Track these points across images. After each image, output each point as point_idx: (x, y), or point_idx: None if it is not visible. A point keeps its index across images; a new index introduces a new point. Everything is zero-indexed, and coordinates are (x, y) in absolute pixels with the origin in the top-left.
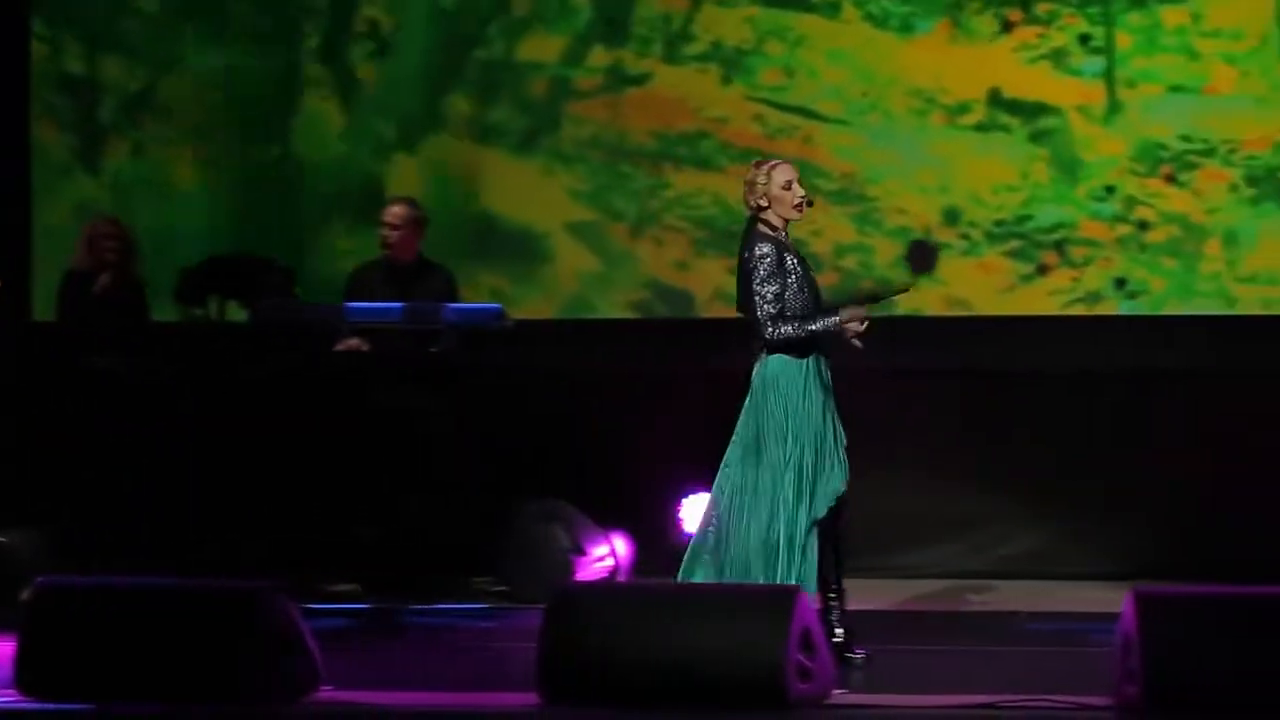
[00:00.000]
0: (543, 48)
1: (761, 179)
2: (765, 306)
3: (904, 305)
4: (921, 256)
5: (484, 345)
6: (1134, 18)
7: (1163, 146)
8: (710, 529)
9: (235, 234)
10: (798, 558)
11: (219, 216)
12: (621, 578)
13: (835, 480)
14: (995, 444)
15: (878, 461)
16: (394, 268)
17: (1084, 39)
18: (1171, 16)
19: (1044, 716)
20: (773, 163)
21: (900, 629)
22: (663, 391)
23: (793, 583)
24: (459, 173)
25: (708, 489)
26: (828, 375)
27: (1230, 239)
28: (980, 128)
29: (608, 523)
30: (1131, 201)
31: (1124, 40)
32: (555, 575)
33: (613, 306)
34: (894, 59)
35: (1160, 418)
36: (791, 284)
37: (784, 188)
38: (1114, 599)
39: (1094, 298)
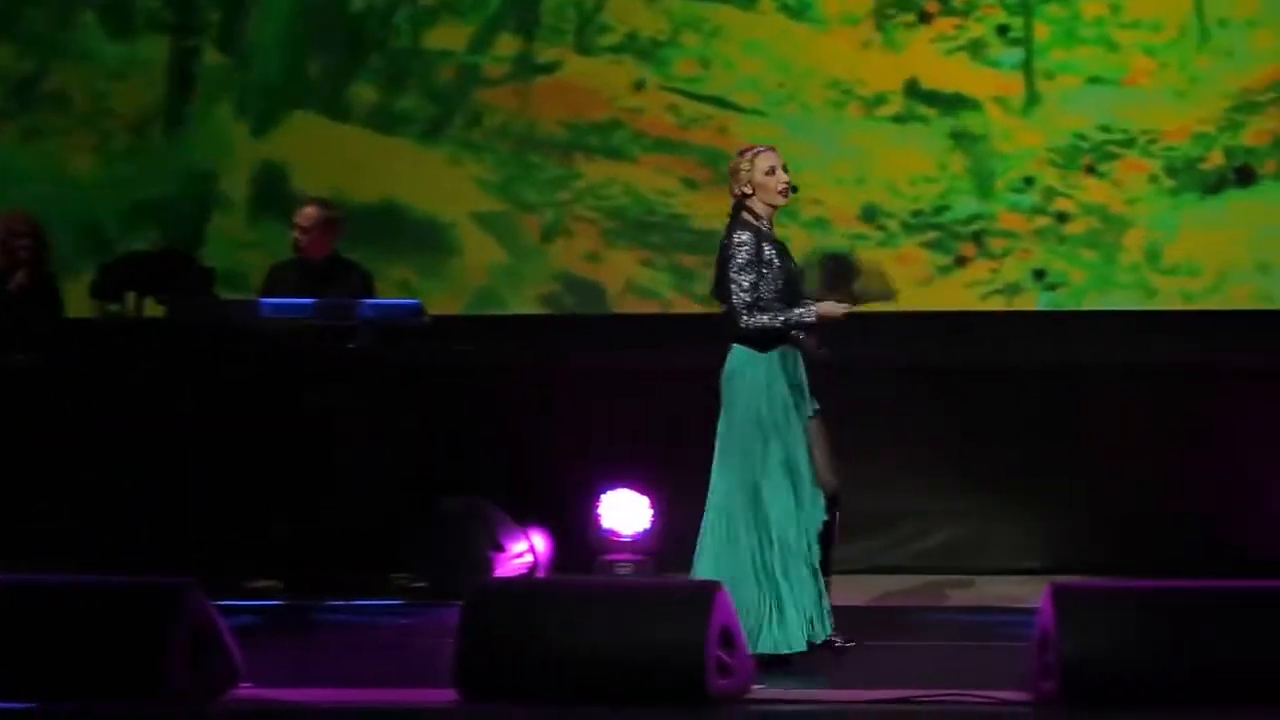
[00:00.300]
0: (451, 35)
1: (745, 166)
2: (741, 295)
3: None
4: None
5: (400, 341)
6: (1052, 9)
7: (1082, 138)
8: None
9: (130, 224)
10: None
11: (113, 206)
12: (540, 574)
13: (815, 510)
14: (914, 438)
15: None
16: (309, 266)
17: (1002, 30)
18: (1090, 8)
19: (961, 711)
20: (756, 149)
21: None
22: (581, 387)
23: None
24: (364, 163)
25: (626, 485)
26: (797, 371)
27: (1150, 231)
28: (898, 119)
29: (526, 519)
30: (1050, 193)
31: (1042, 31)
32: (474, 572)
33: (522, 300)
34: (811, 50)
35: (1080, 412)
36: (767, 275)
37: (767, 174)
38: (1034, 593)
39: (1013, 289)
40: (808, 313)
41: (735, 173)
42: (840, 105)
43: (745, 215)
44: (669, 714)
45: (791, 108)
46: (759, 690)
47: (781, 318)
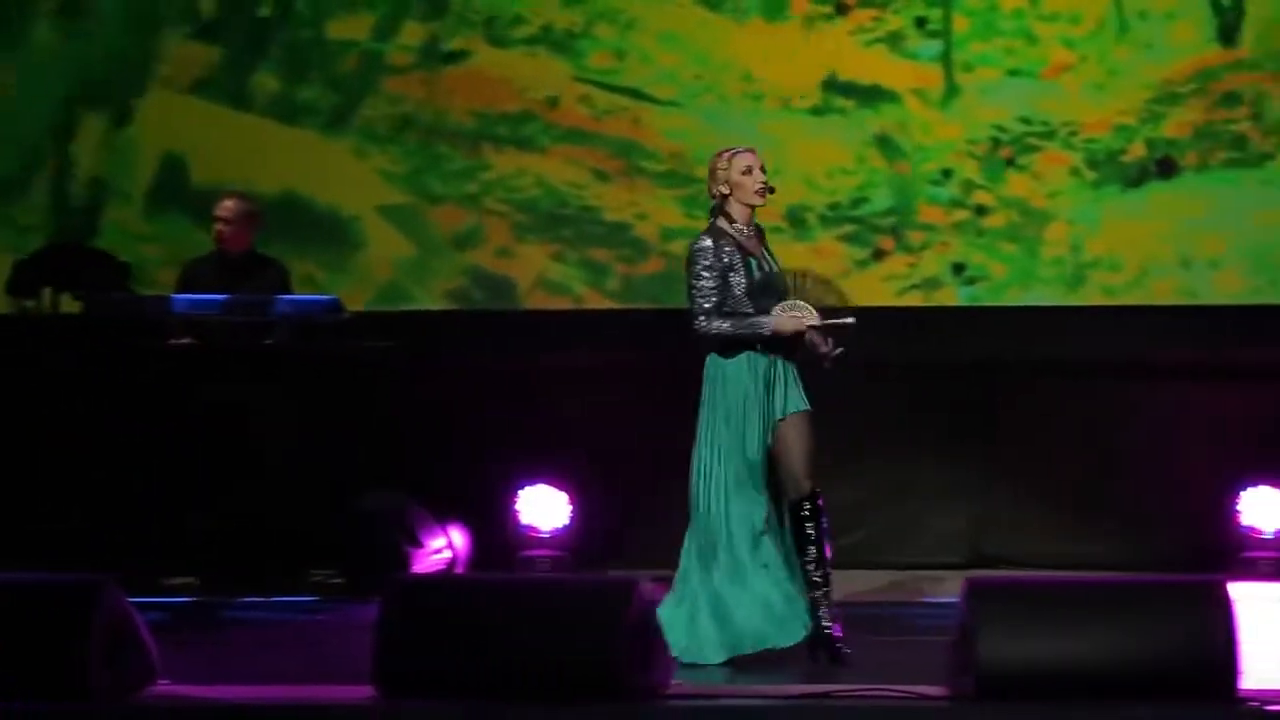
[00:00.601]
0: (355, 23)
1: (723, 165)
2: (697, 301)
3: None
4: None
5: (318, 336)
6: (971, 1)
7: (1001, 130)
8: None
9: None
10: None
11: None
12: (459, 570)
13: (754, 509)
14: (833, 434)
15: None
16: (226, 261)
17: (920, 22)
18: (1009, 0)
19: (879, 707)
20: (735, 150)
21: None
22: (499, 383)
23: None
24: (265, 154)
25: (545, 481)
26: (770, 371)
27: (1072, 224)
28: (815, 112)
29: (444, 515)
30: (969, 186)
31: (961, 23)
32: (392, 568)
33: (430, 296)
34: (728, 42)
35: (1001, 407)
36: (726, 281)
37: (743, 173)
38: (955, 588)
39: (932, 284)
40: (764, 325)
41: (713, 173)
42: (757, 98)
43: (720, 217)
44: (586, 710)
45: (708, 100)
46: (676, 685)
47: (734, 326)
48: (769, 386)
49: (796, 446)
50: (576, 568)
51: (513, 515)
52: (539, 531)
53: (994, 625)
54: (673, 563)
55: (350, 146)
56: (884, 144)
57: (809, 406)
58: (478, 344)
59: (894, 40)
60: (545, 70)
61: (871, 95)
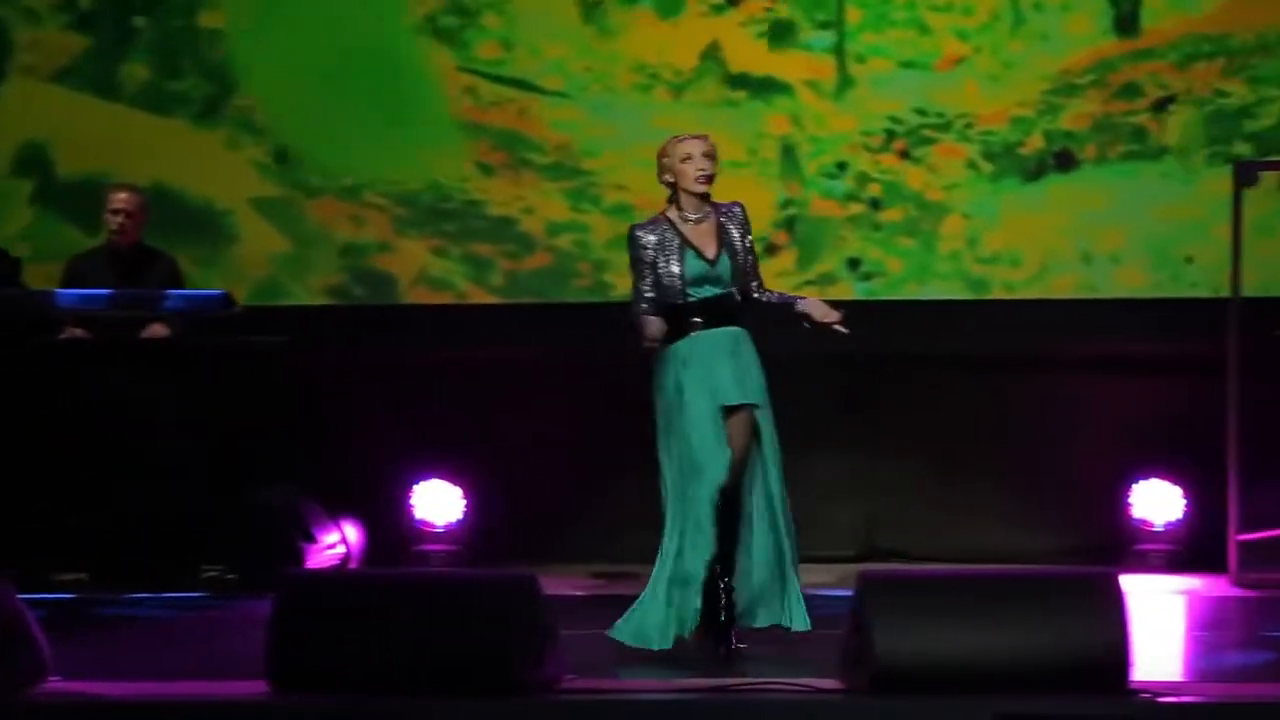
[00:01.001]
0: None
1: (667, 153)
2: (633, 290)
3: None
4: None
5: (208, 331)
6: None
7: (896, 121)
8: None
9: None
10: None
11: None
12: (352, 565)
13: (715, 470)
14: None
15: (601, 446)
16: (117, 255)
17: (813, 13)
18: None
19: (774, 700)
20: (680, 137)
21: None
22: (392, 378)
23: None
24: (134, 144)
25: (438, 476)
26: (713, 357)
27: (970, 218)
28: (707, 104)
29: (338, 510)
30: (864, 179)
31: (854, 15)
32: (285, 563)
33: (308, 291)
34: (618, 32)
35: (894, 400)
36: (664, 268)
37: (683, 161)
38: (846, 582)
39: (827, 279)
40: (639, 323)
41: (659, 160)
42: (647, 89)
43: (669, 209)
44: (481, 704)
45: (596, 90)
46: (571, 680)
47: (636, 319)
48: (715, 373)
49: (736, 439)
50: (470, 562)
51: (407, 510)
52: (433, 526)
53: (888, 618)
54: (568, 557)
55: (223, 138)
56: (776, 136)
57: (756, 400)
58: (370, 339)
59: (786, 31)
60: (428, 60)
61: (764, 87)
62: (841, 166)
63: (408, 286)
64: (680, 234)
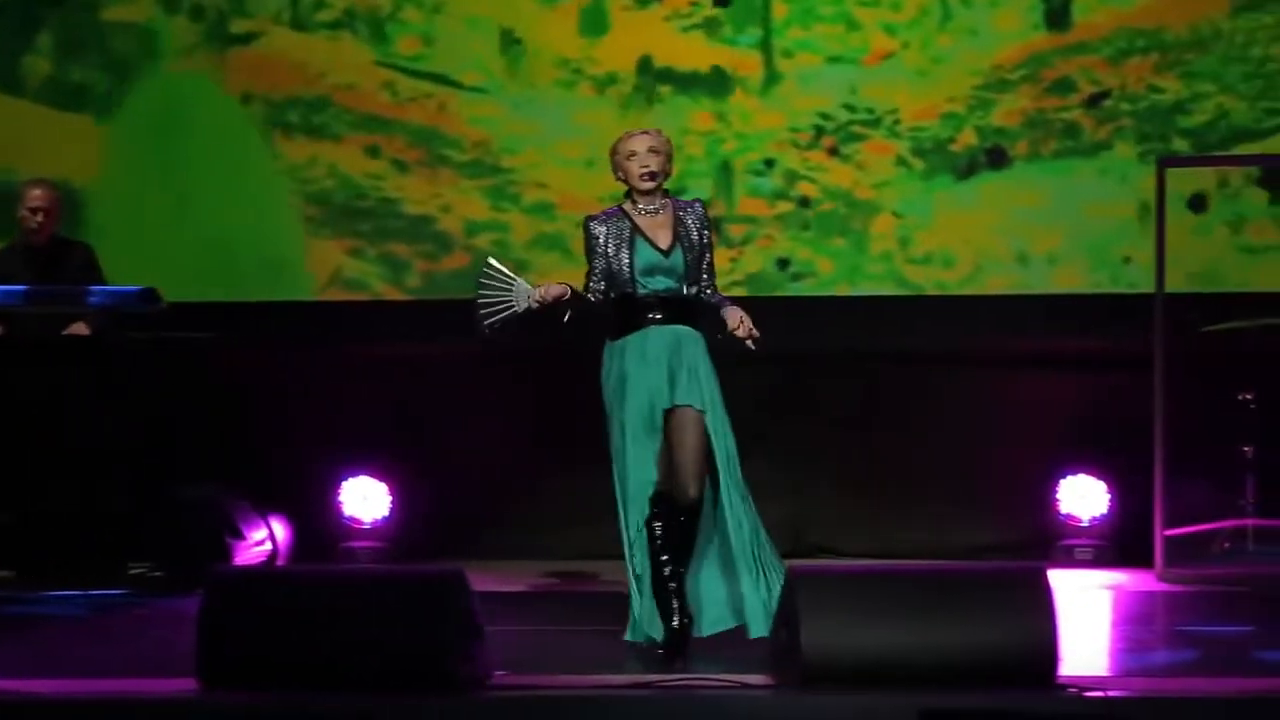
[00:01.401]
0: (133, 5)
1: (616, 151)
2: (585, 278)
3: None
4: None
5: (133, 326)
6: None
7: (825, 118)
8: None
9: None
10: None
11: None
12: (280, 562)
13: (642, 470)
14: None
15: (527, 442)
16: (32, 251)
17: (738, 8)
18: None
19: (702, 696)
20: (627, 133)
21: (550, 609)
22: (321, 375)
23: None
24: (36, 140)
25: (366, 472)
26: (648, 355)
27: (901, 216)
28: (630, 99)
29: (266, 507)
30: (793, 176)
31: (780, 9)
32: (213, 560)
33: (221, 289)
34: (539, 26)
35: (823, 395)
36: (615, 258)
37: (628, 158)
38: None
39: (756, 281)
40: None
41: (610, 157)
42: (570, 85)
43: (625, 202)
44: (409, 700)
45: (516, 86)
46: (501, 676)
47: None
48: (666, 371)
49: (685, 441)
50: (398, 559)
51: (334, 506)
52: (360, 523)
53: (817, 614)
54: (496, 553)
55: (127, 133)
56: (702, 133)
57: (693, 402)
58: (296, 335)
59: (712, 26)
60: (344, 55)
61: (689, 82)
62: (769, 164)
63: (321, 287)
64: (634, 224)
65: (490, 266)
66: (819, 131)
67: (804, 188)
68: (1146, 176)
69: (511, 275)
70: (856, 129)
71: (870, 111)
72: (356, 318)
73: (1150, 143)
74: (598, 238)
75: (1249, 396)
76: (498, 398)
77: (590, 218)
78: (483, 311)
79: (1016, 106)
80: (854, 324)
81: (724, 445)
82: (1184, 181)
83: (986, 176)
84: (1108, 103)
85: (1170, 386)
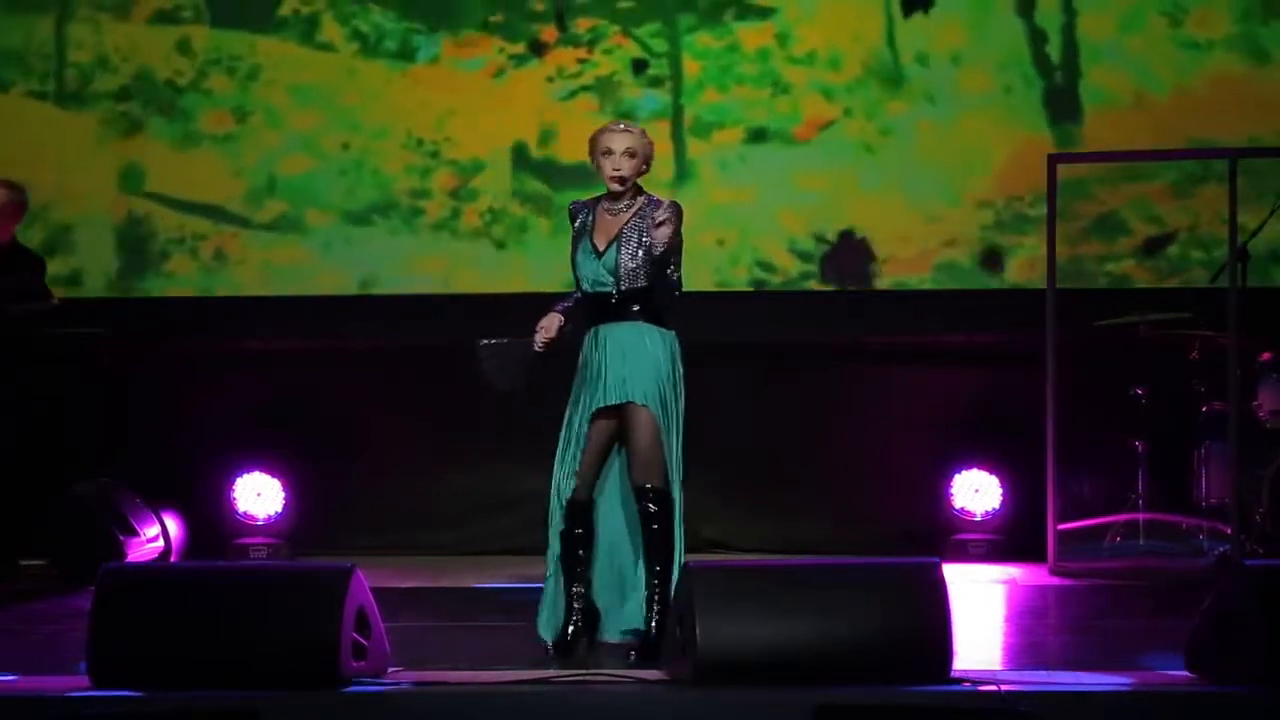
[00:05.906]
0: None
1: (593, 142)
2: None
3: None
4: None
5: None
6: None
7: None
8: None
9: None
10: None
11: None
12: (173, 558)
13: (567, 467)
14: (550, 422)
15: (425, 438)
16: None
17: (639, 66)
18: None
19: (596, 691)
20: (602, 127)
21: (446, 604)
22: (211, 370)
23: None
24: None
25: (259, 468)
26: (607, 351)
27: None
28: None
29: (158, 503)
30: None
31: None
32: (105, 556)
33: (121, 285)
34: (386, 97)
35: (714, 391)
36: (575, 250)
37: (603, 155)
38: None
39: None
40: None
41: (589, 146)
42: (426, 173)
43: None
44: (301, 696)
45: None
46: (394, 672)
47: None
48: (595, 369)
49: (639, 435)
50: (292, 555)
51: (228, 502)
52: (254, 519)
53: (711, 609)
54: (388, 548)
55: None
56: None
57: (647, 401)
58: (188, 330)
59: (605, 88)
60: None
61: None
62: None
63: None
64: (593, 222)
65: (484, 345)
66: None
67: None
68: None
69: (504, 340)
70: None
71: None
72: (248, 313)
73: None
74: (574, 225)
75: (1140, 391)
76: (394, 393)
77: (574, 203)
78: (499, 385)
79: None
80: (748, 317)
81: (650, 443)
82: None
83: None
84: None
85: (1061, 381)
